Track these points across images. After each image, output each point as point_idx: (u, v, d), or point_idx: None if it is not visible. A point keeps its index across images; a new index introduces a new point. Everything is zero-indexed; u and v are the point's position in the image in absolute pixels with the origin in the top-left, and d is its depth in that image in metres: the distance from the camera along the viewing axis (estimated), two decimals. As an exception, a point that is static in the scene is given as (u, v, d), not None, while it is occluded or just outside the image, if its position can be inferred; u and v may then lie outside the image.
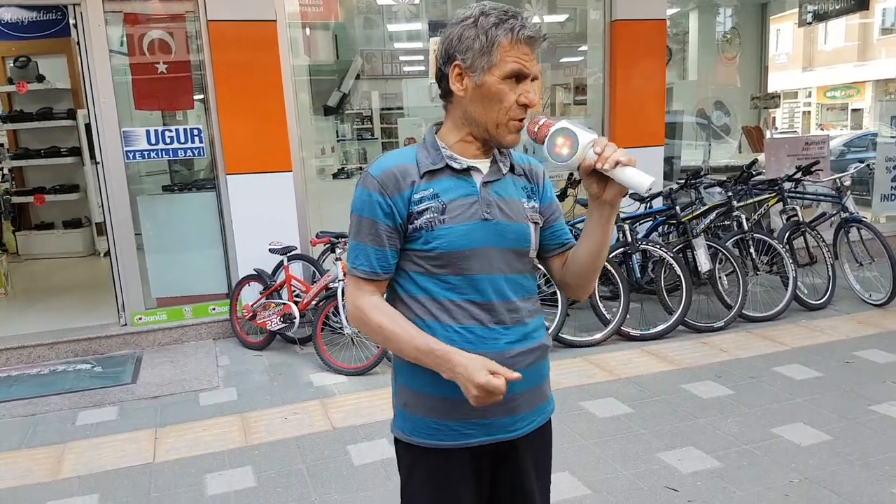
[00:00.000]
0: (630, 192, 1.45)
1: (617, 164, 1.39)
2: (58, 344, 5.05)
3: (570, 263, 1.64)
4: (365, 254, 1.50)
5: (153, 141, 5.11)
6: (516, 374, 1.37)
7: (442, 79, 1.51)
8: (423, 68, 6.80)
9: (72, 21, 4.98)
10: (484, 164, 1.54)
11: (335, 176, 6.96)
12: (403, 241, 1.51)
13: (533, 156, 1.68)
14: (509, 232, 1.53)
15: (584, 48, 6.77)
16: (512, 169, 1.59)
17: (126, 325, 5.27)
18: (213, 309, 5.43)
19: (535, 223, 1.60)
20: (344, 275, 4.65)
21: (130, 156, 5.09)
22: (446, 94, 1.52)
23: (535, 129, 1.48)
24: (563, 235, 1.67)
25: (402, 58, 7.25)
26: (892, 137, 7.38)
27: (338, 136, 7.65)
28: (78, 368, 4.82)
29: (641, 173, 1.40)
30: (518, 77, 1.45)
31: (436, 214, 1.47)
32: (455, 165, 1.51)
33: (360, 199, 1.50)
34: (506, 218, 1.52)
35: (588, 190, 1.48)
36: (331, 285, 4.76)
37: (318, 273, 5.26)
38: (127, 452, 3.58)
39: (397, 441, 1.63)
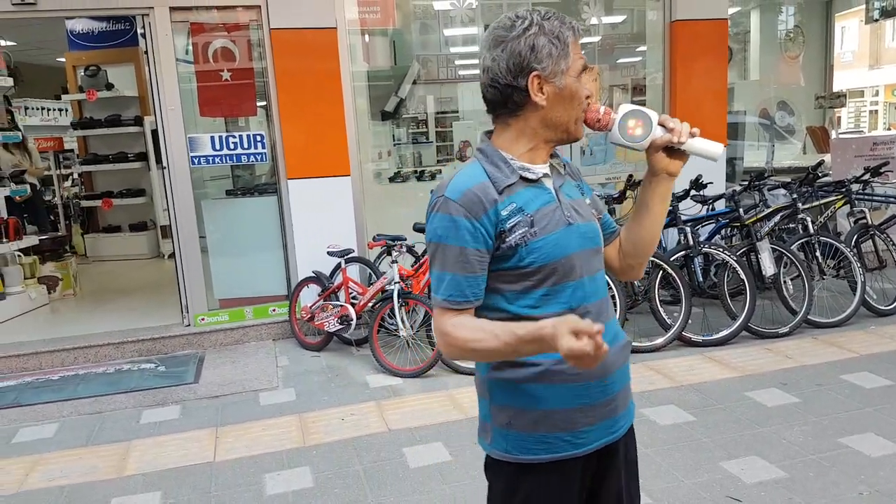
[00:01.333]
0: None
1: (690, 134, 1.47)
2: (124, 344, 5.22)
3: (628, 245, 1.65)
4: (455, 283, 1.42)
5: (217, 147, 5.25)
6: (599, 325, 1.23)
7: (512, 93, 1.43)
8: (478, 71, 6.80)
9: (140, 31, 5.17)
10: (547, 169, 1.52)
11: (391, 180, 7.03)
12: (493, 261, 1.45)
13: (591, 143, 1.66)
14: (588, 232, 1.52)
15: (642, 48, 6.67)
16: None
17: (189, 325, 5.41)
18: (273, 310, 5.55)
19: (598, 218, 1.61)
20: (401, 277, 4.69)
21: (195, 161, 5.25)
22: (517, 107, 1.45)
23: (599, 117, 1.48)
24: (611, 223, 1.69)
25: (457, 62, 7.27)
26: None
27: (394, 141, 7.72)
28: (142, 368, 4.96)
29: (710, 141, 1.48)
30: (583, 71, 1.47)
31: (526, 228, 1.43)
32: (530, 176, 1.47)
33: (442, 226, 1.41)
34: (581, 219, 1.51)
35: (657, 166, 1.51)
36: (387, 287, 4.81)
37: (374, 276, 5.31)
38: (189, 451, 3.66)
39: (495, 462, 1.54)
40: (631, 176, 5.49)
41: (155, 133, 5.34)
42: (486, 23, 6.61)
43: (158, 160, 5.28)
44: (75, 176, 10.37)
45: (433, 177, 7.29)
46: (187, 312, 5.42)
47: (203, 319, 5.42)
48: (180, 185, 5.23)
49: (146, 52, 5.17)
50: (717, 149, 1.48)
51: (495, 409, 1.52)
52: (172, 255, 5.50)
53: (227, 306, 5.53)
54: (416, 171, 7.64)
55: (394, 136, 7.89)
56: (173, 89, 5.13)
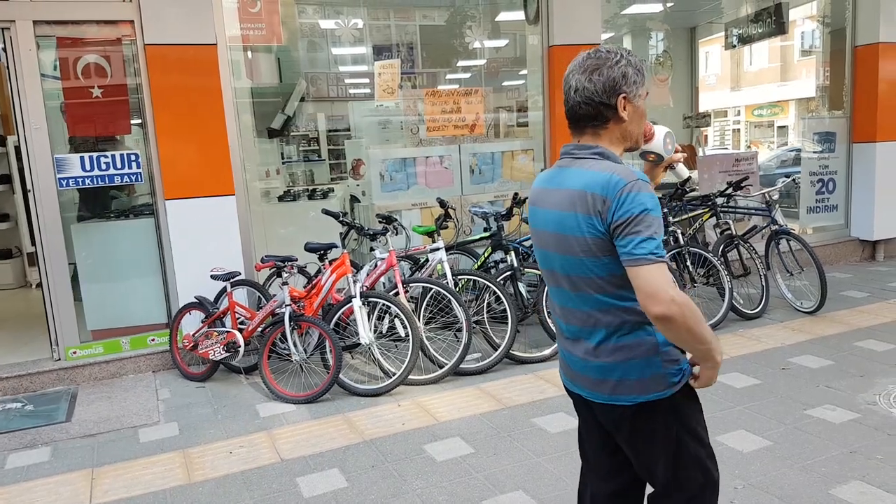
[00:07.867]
0: None
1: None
2: (-15, 382, 4.78)
3: None
4: (661, 245, 1.69)
5: (88, 167, 4.95)
6: None
7: (604, 109, 1.80)
8: (368, 91, 6.79)
9: (0, 45, 4.81)
10: None
11: (280, 199, 6.87)
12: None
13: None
14: None
15: (524, 72, 6.91)
16: None
17: (60, 359, 5.05)
18: (153, 340, 5.26)
19: None
20: (292, 299, 4.58)
21: (63, 183, 4.92)
22: (605, 120, 1.82)
23: (647, 130, 1.97)
24: None
25: (347, 80, 7.25)
26: (814, 153, 7.75)
27: (283, 159, 7.56)
28: (7, 408, 4.59)
29: (685, 167, 2.19)
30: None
31: None
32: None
33: (651, 201, 1.69)
34: None
35: (655, 174, 2.12)
36: (277, 311, 4.68)
37: (263, 299, 5.16)
38: (61, 495, 3.41)
39: (671, 398, 1.88)
40: (517, 194, 5.65)
41: (20, 153, 4.95)
42: (374, 42, 6.65)
43: (23, 182, 4.90)
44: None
45: (325, 195, 7.18)
46: (57, 346, 5.05)
47: (75, 353, 5.06)
48: (47, 209, 4.88)
49: (8, 67, 4.81)
50: (686, 173, 2.14)
51: (665, 357, 1.86)
52: (40, 285, 5.11)
53: (101, 337, 5.18)
54: (307, 190, 7.52)
55: (283, 153, 7.73)
56: (38, 107, 4.81)
